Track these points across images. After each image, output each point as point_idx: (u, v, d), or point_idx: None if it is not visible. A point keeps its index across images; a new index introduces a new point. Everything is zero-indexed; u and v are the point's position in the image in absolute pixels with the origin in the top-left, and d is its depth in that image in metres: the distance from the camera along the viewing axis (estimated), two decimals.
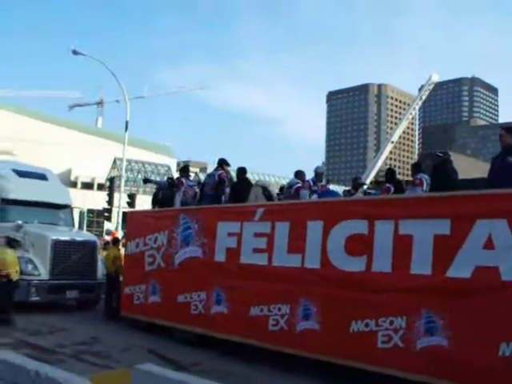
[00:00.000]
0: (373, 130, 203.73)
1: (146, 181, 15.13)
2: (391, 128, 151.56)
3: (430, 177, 8.80)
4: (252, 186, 10.36)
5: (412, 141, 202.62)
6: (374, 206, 7.46)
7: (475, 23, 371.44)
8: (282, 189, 11.43)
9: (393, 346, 6.63)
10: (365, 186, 11.92)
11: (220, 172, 10.77)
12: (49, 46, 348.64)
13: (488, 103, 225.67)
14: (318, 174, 10.34)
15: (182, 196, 11.32)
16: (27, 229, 12.92)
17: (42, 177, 15.15)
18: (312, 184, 10.02)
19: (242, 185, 10.44)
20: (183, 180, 11.69)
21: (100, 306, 13.62)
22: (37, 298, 12.41)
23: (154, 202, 12.76)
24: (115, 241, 14.59)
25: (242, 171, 10.73)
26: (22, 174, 14.63)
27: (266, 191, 9.92)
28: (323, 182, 10.63)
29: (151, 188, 59.45)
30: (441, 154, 8.97)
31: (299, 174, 10.24)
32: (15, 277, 11.14)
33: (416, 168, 9.42)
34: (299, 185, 9.95)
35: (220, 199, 10.46)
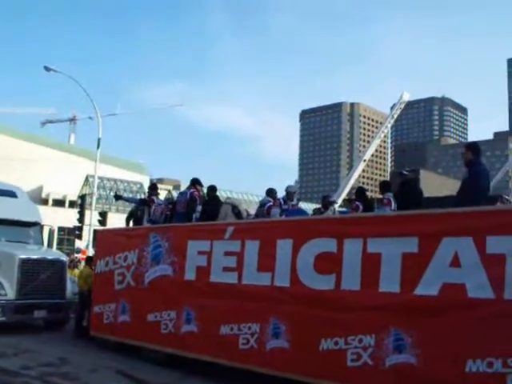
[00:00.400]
0: (346, 148, 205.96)
1: (118, 197, 14.98)
2: (364, 146, 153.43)
3: (395, 194, 8.94)
4: (221, 205, 10.37)
5: (384, 159, 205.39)
6: (343, 225, 7.50)
7: (443, 43, 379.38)
8: None
9: (362, 364, 6.63)
10: (336, 205, 11.99)
11: (192, 190, 10.76)
12: (22, 62, 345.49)
13: (458, 122, 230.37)
14: (289, 193, 10.45)
15: (152, 214, 11.26)
16: None
17: (10, 194, 14.90)
18: (282, 202, 10.08)
19: (212, 203, 10.44)
20: (154, 198, 11.67)
21: (69, 326, 13.39)
22: (3, 319, 12.10)
23: (131, 220, 12.64)
24: (88, 259, 14.37)
25: (212, 189, 10.76)
26: None
27: (235, 209, 9.95)
28: (294, 201, 10.67)
29: (124, 206, 59.07)
30: (406, 173, 9.14)
31: (270, 192, 10.30)
32: None
33: (384, 187, 9.53)
34: (270, 203, 9.99)
35: (191, 218, 10.41)
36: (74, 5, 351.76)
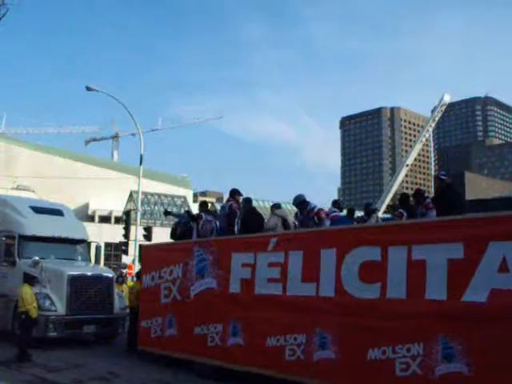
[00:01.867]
0: (387, 154, 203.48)
1: (167, 213, 15.07)
2: (406, 151, 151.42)
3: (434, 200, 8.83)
4: (271, 215, 10.34)
5: (428, 163, 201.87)
6: (386, 232, 7.44)
7: (487, 41, 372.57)
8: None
9: (411, 374, 6.53)
10: (378, 212, 11.82)
11: (230, 203, 10.69)
12: (64, 82, 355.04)
13: (503, 121, 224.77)
14: (298, 205, 10.15)
15: (200, 229, 11.28)
16: (44, 265, 12.99)
17: (57, 212, 15.34)
18: (298, 215, 10.16)
19: (250, 216, 10.40)
20: (202, 214, 11.73)
21: (117, 341, 13.62)
22: (54, 334, 12.45)
23: (173, 236, 12.75)
24: (138, 274, 14.54)
25: (247, 201, 10.70)
26: (38, 210, 14.84)
27: (285, 222, 9.87)
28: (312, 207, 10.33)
29: (168, 220, 59.81)
30: (444, 177, 8.97)
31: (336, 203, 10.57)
32: (34, 313, 11.21)
33: (421, 195, 9.56)
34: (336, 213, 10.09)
35: (233, 230, 10.39)
36: (112, 23, 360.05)
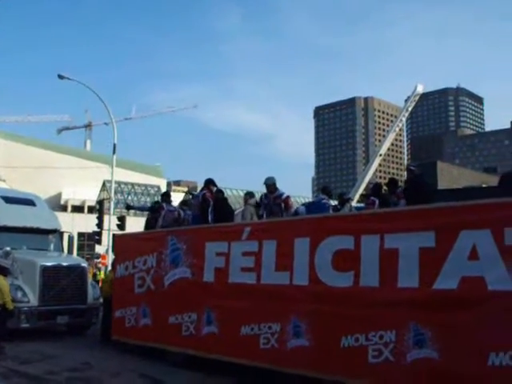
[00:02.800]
0: (361, 144, 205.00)
1: (129, 207, 15.06)
2: (379, 140, 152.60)
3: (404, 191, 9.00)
4: (245, 206, 10.37)
5: (401, 152, 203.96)
6: (359, 221, 7.49)
7: (459, 35, 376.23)
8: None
9: (383, 360, 6.61)
10: (352, 202, 11.91)
11: (203, 192, 10.73)
12: (36, 71, 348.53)
13: (474, 112, 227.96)
14: (269, 186, 10.03)
15: (163, 220, 11.33)
16: (16, 255, 12.85)
17: (29, 202, 15.11)
18: (264, 197, 10.08)
19: (220, 205, 10.45)
20: (164, 205, 11.78)
21: (91, 331, 13.53)
22: (27, 325, 12.30)
23: (147, 227, 12.73)
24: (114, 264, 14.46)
25: (218, 191, 10.82)
26: (10, 200, 14.60)
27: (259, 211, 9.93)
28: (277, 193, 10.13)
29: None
30: (413, 168, 9.18)
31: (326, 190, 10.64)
32: (10, 305, 11.05)
33: (394, 184, 9.69)
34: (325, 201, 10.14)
35: (206, 219, 10.40)
36: (85, 12, 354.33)
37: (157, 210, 11.82)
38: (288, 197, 9.92)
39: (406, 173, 10.16)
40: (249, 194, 10.66)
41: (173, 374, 9.09)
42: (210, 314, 8.97)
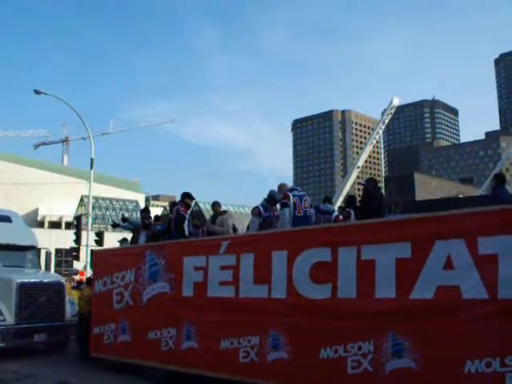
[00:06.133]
0: (339, 156, 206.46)
1: (115, 225, 14.48)
2: (357, 153, 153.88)
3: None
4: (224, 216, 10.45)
5: (378, 164, 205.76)
6: (336, 233, 7.55)
7: (434, 46, 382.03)
8: None
9: (362, 371, 6.65)
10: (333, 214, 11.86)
11: (177, 207, 10.67)
12: (12, 87, 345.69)
13: (449, 124, 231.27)
14: (272, 199, 9.83)
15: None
16: None
17: (5, 219, 14.90)
18: (263, 210, 9.77)
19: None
20: (151, 222, 11.79)
21: (69, 348, 13.36)
22: (2, 345, 12.04)
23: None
24: (89, 280, 14.34)
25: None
26: None
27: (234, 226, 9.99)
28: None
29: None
30: (364, 183, 9.68)
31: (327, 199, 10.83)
32: None
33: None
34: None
35: (183, 234, 10.33)
36: (63, 28, 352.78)
37: (146, 226, 11.76)
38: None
39: (384, 184, 10.57)
40: (218, 204, 10.85)
41: None
42: (190, 328, 8.93)
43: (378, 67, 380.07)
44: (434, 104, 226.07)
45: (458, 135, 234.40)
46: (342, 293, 7.00)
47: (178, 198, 11.44)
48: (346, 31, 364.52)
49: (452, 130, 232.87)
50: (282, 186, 9.58)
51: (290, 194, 9.24)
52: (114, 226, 13.71)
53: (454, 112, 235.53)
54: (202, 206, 60.23)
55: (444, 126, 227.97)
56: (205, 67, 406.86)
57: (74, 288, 15.37)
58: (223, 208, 11.61)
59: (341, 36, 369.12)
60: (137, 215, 60.93)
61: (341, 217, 10.62)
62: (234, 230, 10.68)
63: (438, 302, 6.14)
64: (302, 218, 9.07)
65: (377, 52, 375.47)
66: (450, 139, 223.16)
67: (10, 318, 12.26)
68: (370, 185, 9.63)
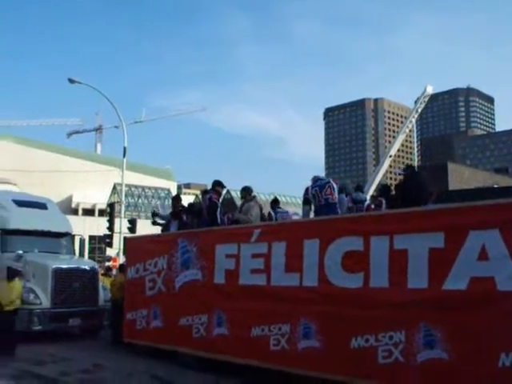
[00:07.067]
0: (371, 145, 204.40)
1: (154, 215, 14.03)
2: (389, 142, 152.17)
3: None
4: (253, 203, 10.42)
5: (411, 153, 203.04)
6: (369, 222, 7.50)
7: (470, 36, 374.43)
8: None
9: (393, 361, 6.63)
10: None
11: (209, 195, 10.64)
12: (47, 76, 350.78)
13: (484, 112, 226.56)
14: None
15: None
16: (28, 258, 12.95)
17: (41, 206, 15.24)
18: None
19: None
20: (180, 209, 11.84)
21: (102, 333, 13.63)
22: (39, 327, 12.42)
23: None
24: (121, 267, 14.55)
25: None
26: (22, 203, 14.72)
27: (261, 210, 10.00)
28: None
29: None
30: (402, 172, 9.30)
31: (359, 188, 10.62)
32: (11, 306, 11.14)
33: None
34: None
35: (215, 222, 10.36)
36: (97, 17, 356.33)
37: (176, 215, 11.79)
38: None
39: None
40: (247, 191, 10.71)
41: (184, 375, 9.13)
42: (221, 315, 9.01)
43: (411, 55, 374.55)
44: (468, 92, 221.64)
45: (494, 124, 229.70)
46: (374, 282, 6.97)
47: (209, 186, 11.42)
48: (377, 21, 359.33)
49: (487, 119, 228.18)
50: (314, 178, 9.56)
51: (310, 187, 9.23)
52: (154, 215, 13.65)
53: (490, 100, 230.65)
54: (233, 194, 60.41)
55: (479, 115, 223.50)
56: (235, 56, 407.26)
57: (103, 275, 15.58)
58: (258, 197, 11.65)
59: (372, 25, 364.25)
60: (169, 203, 61.53)
61: (373, 206, 10.54)
62: (263, 218, 10.62)
63: (471, 293, 6.06)
64: (323, 207, 9.01)
65: (409, 41, 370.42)
66: (485, 128, 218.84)
67: (46, 302, 12.59)
68: (410, 172, 9.31)
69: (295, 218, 11.09)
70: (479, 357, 5.90)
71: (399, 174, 9.43)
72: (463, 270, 6.16)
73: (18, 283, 11.44)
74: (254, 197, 10.75)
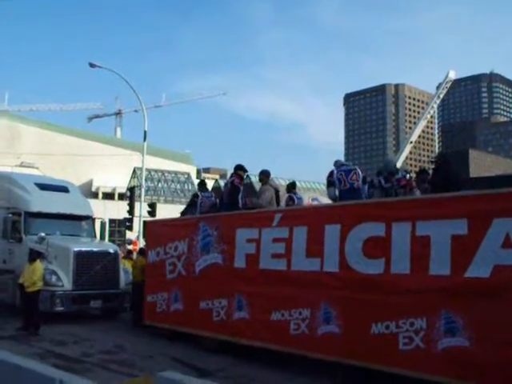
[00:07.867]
0: (391, 131, 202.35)
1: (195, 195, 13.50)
2: (410, 128, 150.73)
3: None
4: (266, 186, 10.35)
5: (432, 140, 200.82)
6: (390, 208, 7.45)
7: (491, 20, 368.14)
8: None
9: (414, 347, 6.62)
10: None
11: (232, 179, 10.60)
12: (68, 61, 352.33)
13: (508, 98, 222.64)
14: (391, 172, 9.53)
15: (200, 207, 11.36)
16: (50, 241, 13.12)
17: (63, 189, 15.40)
18: (384, 181, 9.41)
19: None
20: (198, 193, 11.84)
21: (123, 315, 13.79)
22: (61, 309, 12.62)
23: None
24: (142, 250, 14.65)
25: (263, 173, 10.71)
26: (44, 186, 14.90)
27: (277, 193, 10.01)
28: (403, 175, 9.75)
29: (172, 197, 59.92)
30: (434, 160, 9.11)
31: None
32: (33, 287, 11.37)
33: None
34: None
35: (236, 206, 10.35)
36: (121, 1, 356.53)
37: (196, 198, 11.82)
38: (411, 177, 9.56)
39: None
40: (265, 174, 10.62)
41: (203, 358, 9.22)
42: (241, 299, 9.06)
43: (433, 40, 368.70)
44: (492, 78, 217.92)
45: None
46: (396, 268, 6.95)
47: (229, 171, 11.45)
48: (398, 5, 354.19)
49: (511, 105, 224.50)
50: (336, 162, 9.46)
51: (335, 170, 9.14)
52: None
53: None
54: (253, 178, 60.38)
55: (502, 101, 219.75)
56: (257, 41, 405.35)
57: (124, 258, 15.72)
58: (276, 181, 11.56)
59: (395, 10, 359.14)
60: (188, 187, 61.74)
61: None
62: (278, 202, 10.50)
63: (494, 280, 6.01)
64: (347, 191, 8.90)
65: (432, 25, 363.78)
66: (508, 114, 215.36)
67: (68, 284, 12.76)
68: (440, 160, 9.08)
69: (314, 203, 11.02)
70: (501, 345, 5.87)
71: (431, 162, 9.17)
72: (487, 258, 6.11)
73: (39, 265, 11.62)
74: (270, 180, 10.67)
